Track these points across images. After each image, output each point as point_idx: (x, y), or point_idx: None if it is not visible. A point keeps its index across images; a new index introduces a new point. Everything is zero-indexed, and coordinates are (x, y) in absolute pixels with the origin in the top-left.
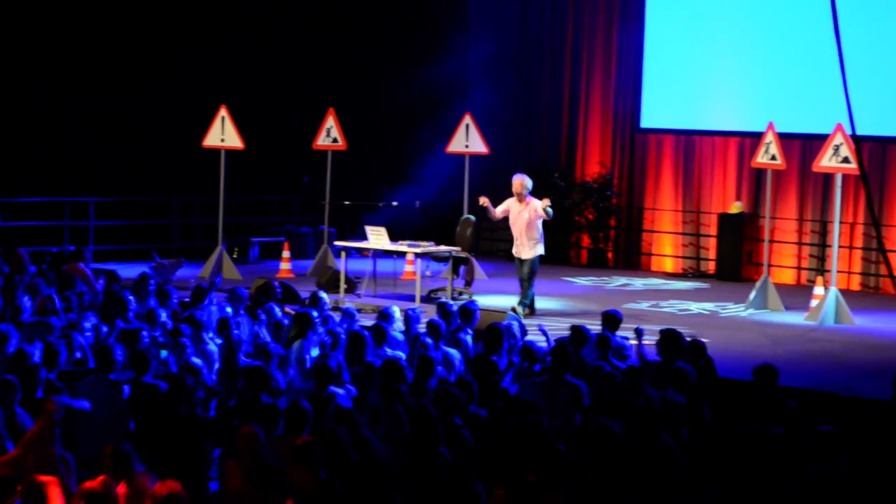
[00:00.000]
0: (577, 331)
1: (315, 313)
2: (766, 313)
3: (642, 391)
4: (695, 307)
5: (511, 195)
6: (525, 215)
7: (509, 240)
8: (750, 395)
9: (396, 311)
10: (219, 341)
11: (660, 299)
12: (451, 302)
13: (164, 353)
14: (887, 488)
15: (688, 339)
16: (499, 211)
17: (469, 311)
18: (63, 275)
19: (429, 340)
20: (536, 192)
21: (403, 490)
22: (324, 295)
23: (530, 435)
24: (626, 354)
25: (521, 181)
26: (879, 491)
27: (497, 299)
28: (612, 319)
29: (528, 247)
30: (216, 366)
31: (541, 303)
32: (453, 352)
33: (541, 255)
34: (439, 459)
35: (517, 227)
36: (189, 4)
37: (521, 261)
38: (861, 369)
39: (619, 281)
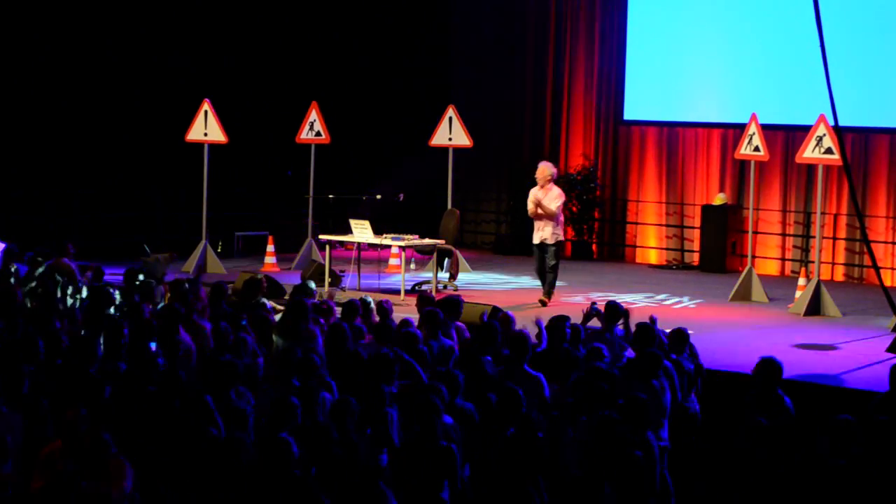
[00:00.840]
0: (559, 321)
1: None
2: (750, 305)
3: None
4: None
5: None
6: (546, 202)
7: (492, 232)
8: (752, 389)
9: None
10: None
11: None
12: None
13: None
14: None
15: (668, 329)
16: (532, 206)
17: (454, 304)
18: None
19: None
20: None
21: (394, 488)
22: (312, 285)
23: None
24: (622, 345)
25: (543, 168)
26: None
27: (482, 292)
28: (612, 311)
29: (550, 233)
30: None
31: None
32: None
33: (563, 242)
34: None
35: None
36: None
37: (544, 248)
38: (845, 360)
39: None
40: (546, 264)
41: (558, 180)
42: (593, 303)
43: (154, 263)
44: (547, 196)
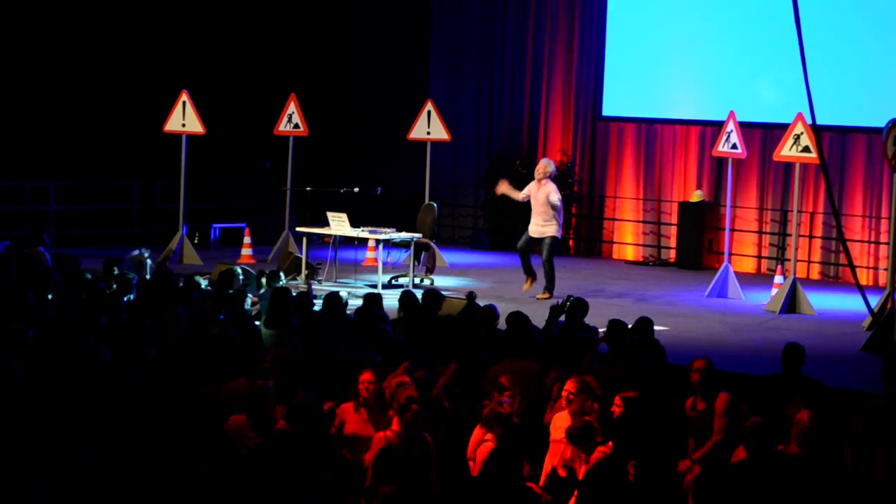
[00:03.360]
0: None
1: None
2: (725, 301)
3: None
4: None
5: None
6: (540, 197)
7: (470, 227)
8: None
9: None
10: None
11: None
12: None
13: None
14: None
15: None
16: (521, 195)
17: (432, 297)
18: (24, 259)
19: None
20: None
21: None
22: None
23: None
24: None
25: (541, 164)
26: None
27: (458, 286)
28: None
29: (540, 226)
30: None
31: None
32: None
33: (555, 238)
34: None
35: (533, 208)
36: None
37: (536, 242)
38: (820, 357)
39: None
40: (537, 255)
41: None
42: (569, 296)
43: (138, 263)
44: (543, 196)
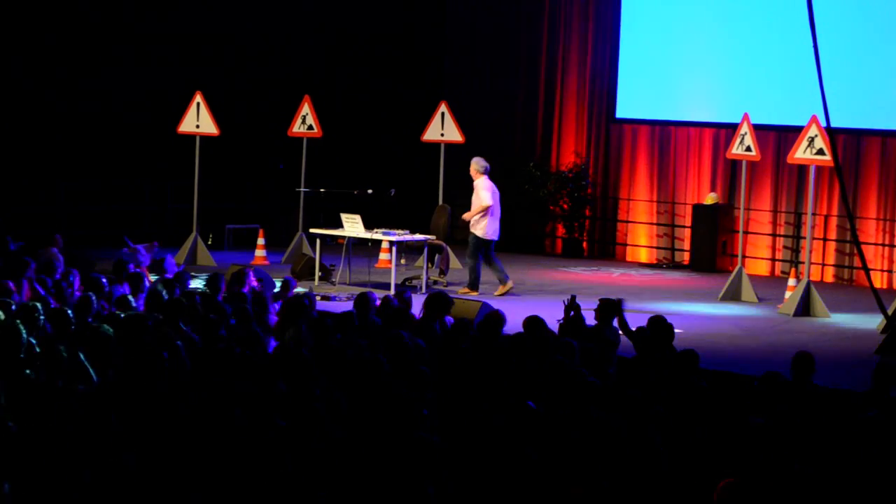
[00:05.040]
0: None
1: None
2: (739, 304)
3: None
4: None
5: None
6: (473, 196)
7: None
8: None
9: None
10: None
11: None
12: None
13: None
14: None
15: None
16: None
17: (442, 300)
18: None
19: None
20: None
21: None
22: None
23: None
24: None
25: (472, 163)
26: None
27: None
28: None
29: (472, 225)
30: None
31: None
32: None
33: (479, 238)
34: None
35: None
36: None
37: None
38: (834, 361)
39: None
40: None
41: (550, 178)
42: (573, 295)
43: (133, 255)
44: (474, 190)
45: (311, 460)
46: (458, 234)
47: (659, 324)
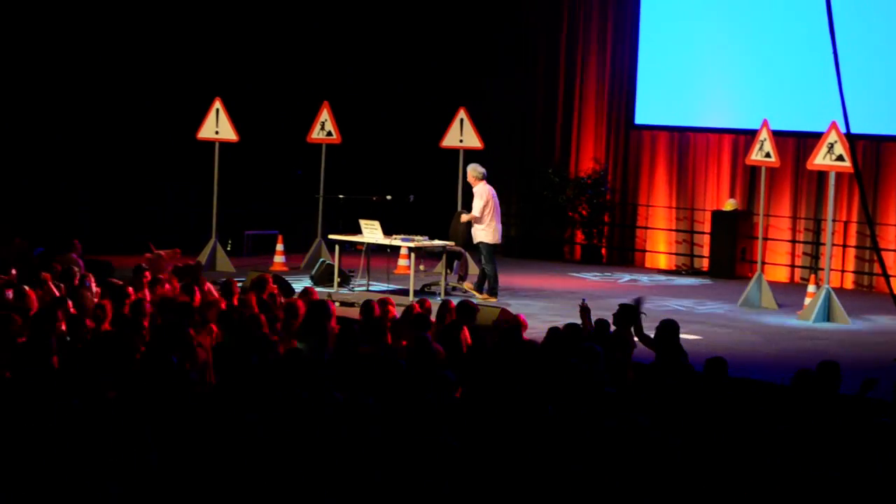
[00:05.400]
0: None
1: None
2: (759, 311)
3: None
4: (679, 304)
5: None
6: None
7: (503, 234)
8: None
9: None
10: None
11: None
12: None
13: None
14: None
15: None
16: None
17: (468, 307)
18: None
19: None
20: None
21: None
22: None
23: None
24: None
25: (469, 170)
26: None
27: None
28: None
29: (477, 234)
30: None
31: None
32: None
33: (484, 243)
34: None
35: None
36: None
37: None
38: (854, 368)
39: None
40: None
41: (569, 184)
42: (583, 299)
43: (156, 261)
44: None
45: (330, 463)
46: None
47: (667, 327)
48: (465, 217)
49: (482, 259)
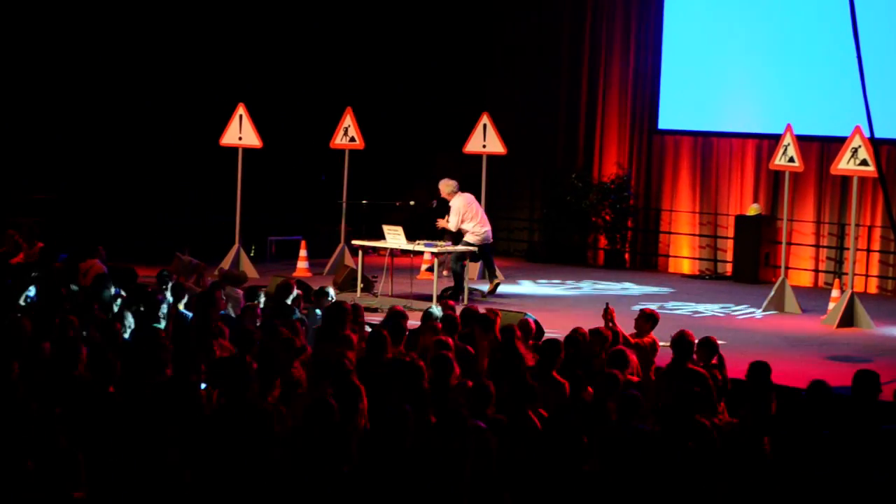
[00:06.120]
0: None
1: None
2: (782, 316)
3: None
4: (704, 308)
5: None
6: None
7: (525, 239)
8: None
9: (436, 311)
10: None
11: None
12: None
13: None
14: None
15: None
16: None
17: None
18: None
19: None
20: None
21: None
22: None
23: None
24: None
25: (441, 187)
26: None
27: (513, 298)
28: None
29: (467, 238)
30: None
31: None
32: None
33: (483, 243)
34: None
35: None
36: (209, 1)
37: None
38: (878, 373)
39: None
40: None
41: (592, 189)
42: (606, 303)
43: (186, 266)
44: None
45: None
46: (501, 245)
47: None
48: (441, 223)
49: (451, 256)
